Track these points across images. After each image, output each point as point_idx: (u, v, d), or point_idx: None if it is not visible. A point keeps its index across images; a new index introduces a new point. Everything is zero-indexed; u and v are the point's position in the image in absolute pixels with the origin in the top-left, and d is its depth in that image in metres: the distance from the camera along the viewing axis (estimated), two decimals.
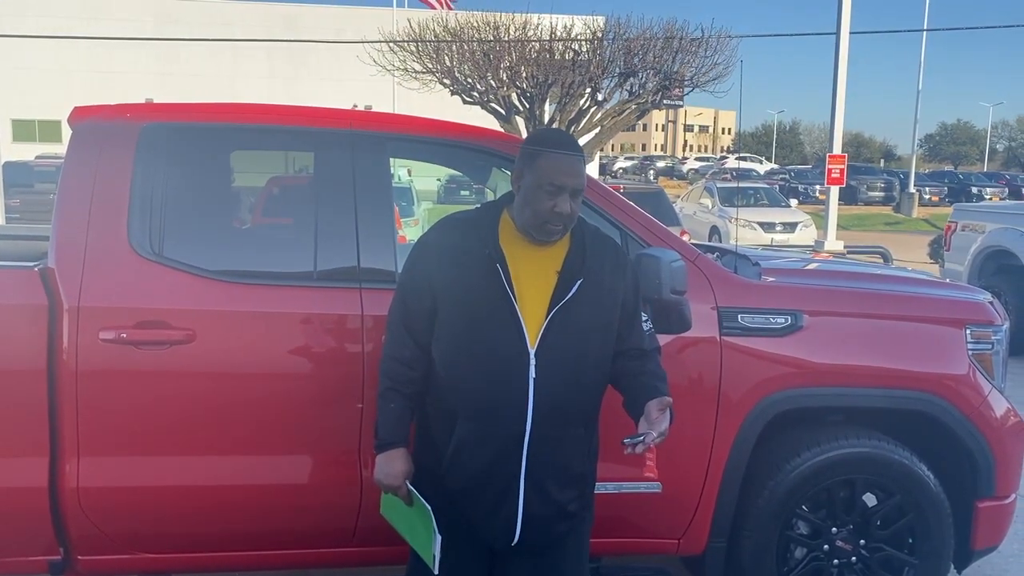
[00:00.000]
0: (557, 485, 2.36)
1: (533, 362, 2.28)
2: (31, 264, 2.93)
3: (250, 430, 2.88)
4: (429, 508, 2.33)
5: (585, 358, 2.36)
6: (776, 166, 55.98)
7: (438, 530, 2.29)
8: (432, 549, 2.30)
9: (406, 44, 20.39)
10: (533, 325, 2.29)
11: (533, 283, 2.32)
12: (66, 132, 3.07)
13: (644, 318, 2.55)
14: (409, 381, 2.40)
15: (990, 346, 3.40)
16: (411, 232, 11.00)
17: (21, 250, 3.86)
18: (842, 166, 16.23)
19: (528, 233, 2.35)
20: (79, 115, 3.00)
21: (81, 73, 35.60)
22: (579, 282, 2.32)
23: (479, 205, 2.53)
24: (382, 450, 2.41)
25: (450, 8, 26.86)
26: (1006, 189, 36.62)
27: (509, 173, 2.52)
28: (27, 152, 27.81)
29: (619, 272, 2.44)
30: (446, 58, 19.68)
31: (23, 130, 36.68)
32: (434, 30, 20.27)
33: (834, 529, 3.30)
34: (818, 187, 31.36)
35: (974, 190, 35.49)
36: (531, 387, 2.27)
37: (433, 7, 27.63)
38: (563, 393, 2.32)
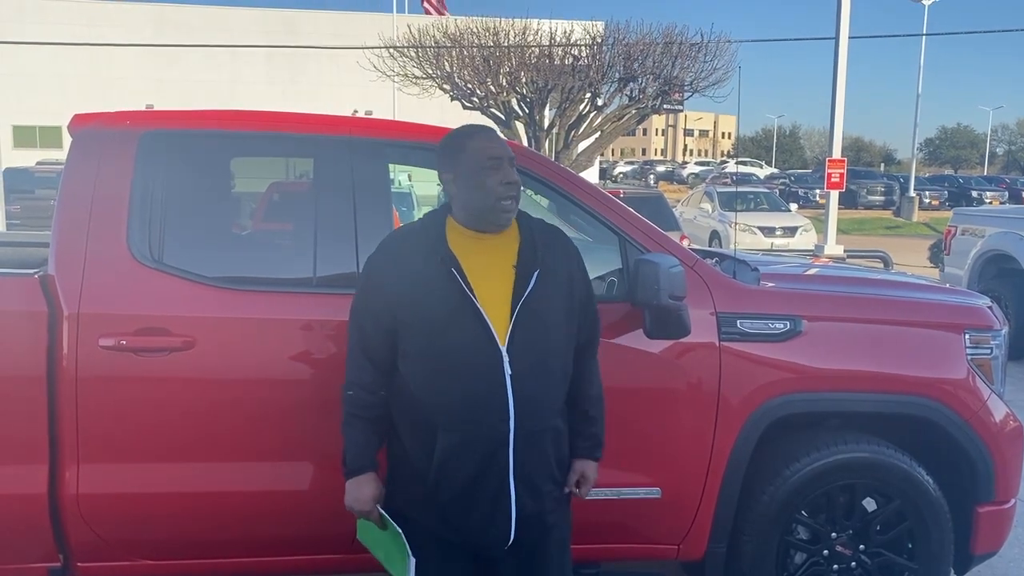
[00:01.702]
0: (543, 479, 2.38)
1: (507, 359, 2.27)
2: (31, 271, 2.94)
3: (249, 436, 2.89)
4: (401, 532, 2.32)
5: (552, 348, 2.38)
6: (776, 170, 56.02)
7: (412, 552, 2.30)
8: (407, 572, 2.30)
9: (406, 50, 20.41)
10: (500, 323, 2.29)
11: (490, 282, 2.32)
12: (66, 138, 3.08)
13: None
14: (371, 406, 2.39)
15: (989, 351, 3.40)
16: None
17: (21, 256, 3.87)
18: (842, 170, 16.22)
19: (484, 223, 2.37)
20: (79, 122, 3.01)
21: (81, 79, 35.63)
22: (536, 273, 2.34)
23: (421, 216, 2.55)
24: (351, 476, 2.40)
25: (443, 14, 26.86)
26: (1006, 193, 36.61)
27: None
28: (28, 158, 27.84)
29: (569, 259, 2.46)
30: (446, 63, 19.70)
31: (24, 136, 36.71)
32: (434, 36, 20.30)
33: (833, 534, 3.29)
34: (818, 191, 31.39)
35: (974, 194, 35.49)
36: (509, 384, 2.27)
37: (429, 13, 27.67)
38: (538, 386, 2.33)
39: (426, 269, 2.31)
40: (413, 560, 2.29)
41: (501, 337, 2.28)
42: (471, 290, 2.28)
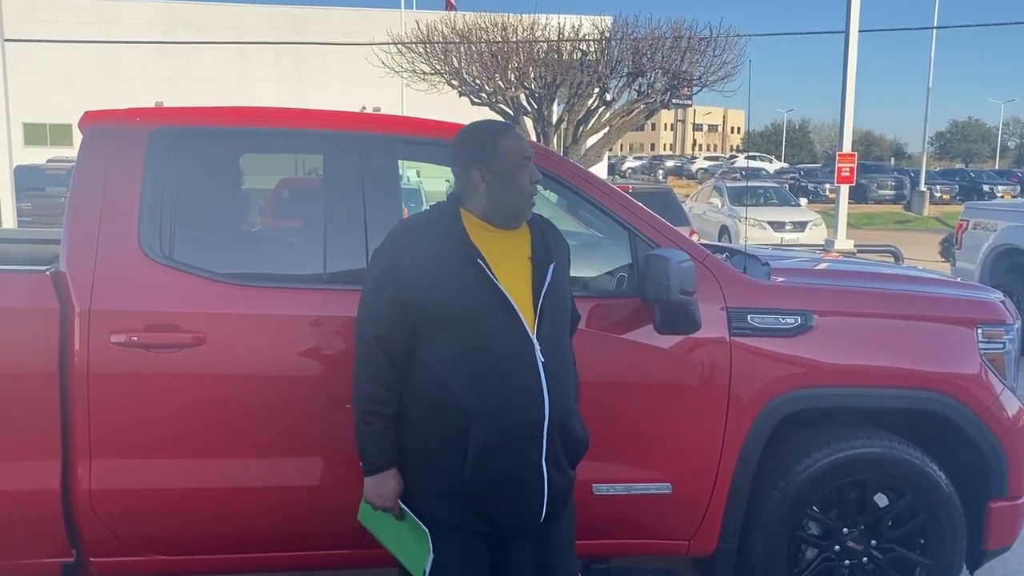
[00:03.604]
0: (568, 457, 2.45)
1: (538, 347, 2.33)
2: (43, 268, 2.95)
3: (260, 432, 2.89)
4: (427, 530, 2.34)
5: (565, 336, 2.50)
6: (786, 165, 55.80)
7: (433, 548, 2.32)
8: (424, 565, 2.34)
9: (414, 46, 20.43)
10: (525, 314, 2.34)
11: (510, 274, 2.36)
12: (77, 136, 3.09)
13: None
14: (388, 403, 2.37)
15: (1002, 345, 3.39)
16: None
17: (33, 253, 3.88)
18: (852, 164, 16.16)
19: (509, 219, 2.42)
20: (90, 120, 3.02)
21: (91, 77, 35.75)
22: (552, 265, 2.41)
23: (426, 209, 2.56)
24: (374, 473, 2.40)
25: (452, 8, 26.90)
26: (1018, 187, 36.34)
27: None
28: (38, 156, 27.95)
29: (565, 251, 2.54)
30: (454, 59, 19.71)
31: (34, 134, 36.82)
32: (442, 31, 20.30)
33: (845, 530, 3.29)
34: (828, 186, 31.22)
35: (985, 188, 35.28)
36: (542, 372, 2.32)
37: (445, 9, 27.77)
38: (562, 372, 2.41)
39: (448, 262, 2.31)
40: (432, 556, 2.32)
41: (530, 327, 2.33)
42: (499, 282, 2.32)
